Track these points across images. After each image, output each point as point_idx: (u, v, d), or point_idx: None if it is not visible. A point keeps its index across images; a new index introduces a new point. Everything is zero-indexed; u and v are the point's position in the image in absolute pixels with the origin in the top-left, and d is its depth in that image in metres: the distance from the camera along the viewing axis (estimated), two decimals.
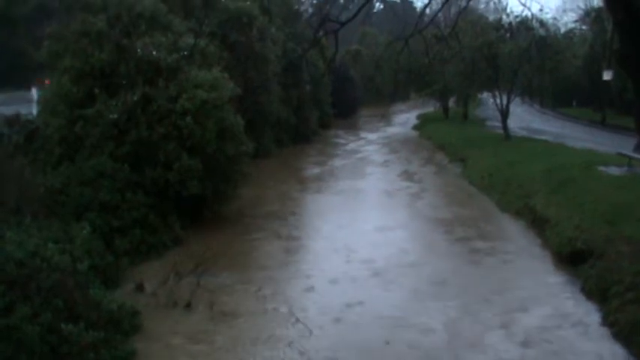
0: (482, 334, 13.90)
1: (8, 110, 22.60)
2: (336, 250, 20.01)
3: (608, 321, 14.11)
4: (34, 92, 25.16)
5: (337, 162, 39.33)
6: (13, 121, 21.89)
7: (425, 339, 13.68)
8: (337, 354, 13.06)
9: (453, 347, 13.28)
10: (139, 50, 21.88)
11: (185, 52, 22.79)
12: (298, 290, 16.78)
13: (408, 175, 34.18)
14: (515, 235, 22.27)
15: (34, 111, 24.06)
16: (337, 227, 22.78)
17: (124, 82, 21.62)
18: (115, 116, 20.68)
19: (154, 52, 22.04)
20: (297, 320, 14.60)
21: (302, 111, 49.57)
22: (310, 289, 16.78)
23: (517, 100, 51.12)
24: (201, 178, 21.36)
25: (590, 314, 14.81)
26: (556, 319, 14.60)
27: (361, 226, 23.10)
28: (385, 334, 13.77)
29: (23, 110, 23.29)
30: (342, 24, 17.53)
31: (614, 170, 25.81)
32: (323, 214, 24.91)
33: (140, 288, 16.20)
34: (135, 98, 21.03)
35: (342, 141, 51.71)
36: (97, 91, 21.22)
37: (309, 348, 13.21)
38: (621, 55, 12.26)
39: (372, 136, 54.90)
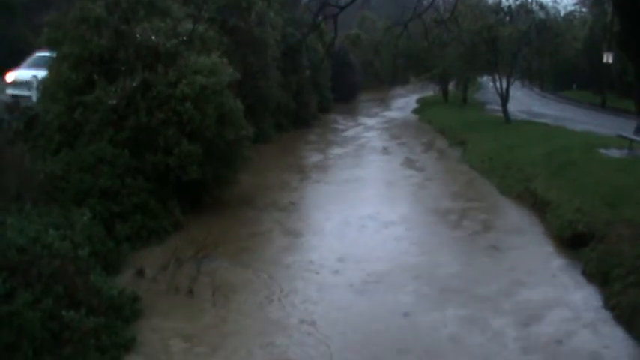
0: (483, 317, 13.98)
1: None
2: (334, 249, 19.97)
3: (609, 304, 14.15)
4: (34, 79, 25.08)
5: (337, 149, 39.19)
6: (13, 107, 21.86)
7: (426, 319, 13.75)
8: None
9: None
10: (137, 36, 21.80)
11: (184, 38, 22.71)
12: (299, 276, 16.81)
13: (409, 162, 34.03)
14: (516, 218, 22.28)
15: (34, 97, 24.02)
16: (336, 220, 22.44)
17: (123, 68, 21.54)
18: (114, 102, 20.62)
19: (153, 38, 21.96)
20: (299, 306, 14.69)
21: (301, 96, 49.52)
22: (312, 273, 16.85)
23: (517, 83, 51.14)
24: (201, 163, 21.34)
25: (591, 297, 14.85)
26: (556, 302, 14.65)
27: (359, 212, 23.01)
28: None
29: None
30: (342, 8, 17.52)
31: (614, 153, 25.83)
32: (322, 205, 24.46)
33: (141, 273, 16.20)
34: (134, 84, 20.97)
35: (341, 126, 51.68)
36: (96, 77, 21.17)
37: (313, 331, 13.26)
38: (621, 38, 12.24)
39: (371, 121, 54.87)
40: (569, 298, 14.93)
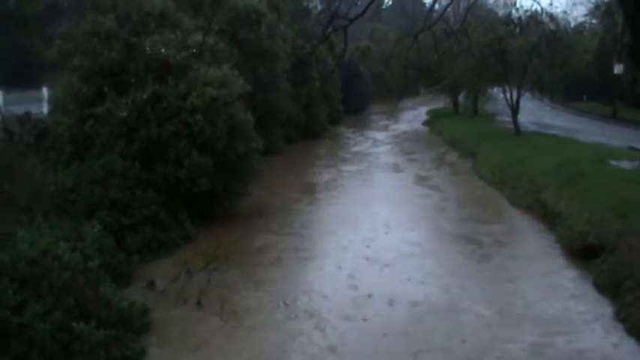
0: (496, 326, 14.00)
1: (19, 109, 22.64)
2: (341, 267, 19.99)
3: (620, 316, 14.09)
4: (45, 91, 25.20)
5: (347, 164, 38.88)
6: (24, 120, 21.94)
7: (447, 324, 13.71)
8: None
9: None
10: (147, 48, 21.89)
11: (194, 50, 22.79)
12: (309, 289, 16.79)
13: (420, 177, 33.70)
14: (527, 230, 22.21)
15: (45, 110, 24.11)
16: (344, 242, 22.01)
17: (133, 80, 21.64)
18: (124, 114, 20.71)
19: (163, 50, 22.04)
20: (311, 317, 14.68)
21: (311, 107, 49.55)
22: (319, 285, 16.83)
23: (527, 94, 50.98)
24: (211, 175, 21.38)
25: (602, 309, 14.78)
26: (568, 314, 14.58)
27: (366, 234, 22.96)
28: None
29: (34, 109, 23.31)
30: (351, 20, 17.50)
31: (625, 164, 25.76)
32: (332, 228, 23.17)
33: (151, 286, 16.24)
34: (144, 96, 21.05)
35: (351, 140, 51.56)
36: (106, 89, 21.27)
37: (321, 343, 13.24)
38: (632, 49, 12.22)
39: (382, 133, 54.72)
40: (580, 310, 14.85)
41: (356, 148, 45.85)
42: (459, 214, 24.38)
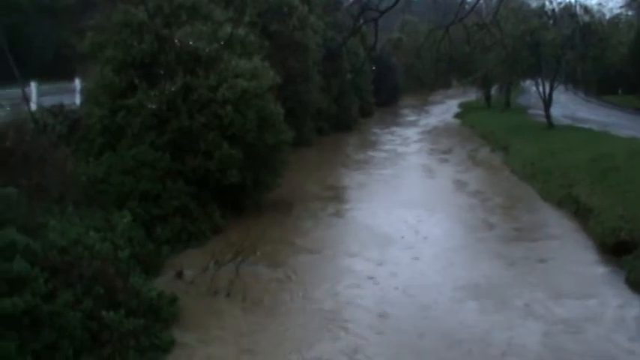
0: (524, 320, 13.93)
1: (52, 100, 22.83)
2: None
3: None
4: (77, 83, 25.37)
5: (378, 157, 38.82)
6: (57, 111, 22.13)
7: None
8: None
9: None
10: (176, 41, 21.97)
11: (222, 42, 22.83)
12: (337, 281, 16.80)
13: (454, 175, 33.36)
14: (558, 225, 22.01)
15: (77, 101, 24.30)
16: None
17: (164, 72, 21.73)
18: (154, 106, 20.82)
19: (193, 42, 22.09)
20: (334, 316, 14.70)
21: (342, 99, 49.52)
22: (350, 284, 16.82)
23: (560, 87, 50.49)
24: (241, 167, 21.43)
25: (633, 306, 14.61)
26: (599, 310, 14.43)
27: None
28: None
29: (66, 100, 23.51)
30: (382, 12, 17.42)
31: None
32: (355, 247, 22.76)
33: (180, 276, 16.32)
34: (175, 88, 21.13)
35: (382, 130, 51.47)
36: (137, 81, 21.39)
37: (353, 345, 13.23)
38: None
39: (413, 125, 54.58)
40: (611, 306, 14.69)
41: (387, 138, 45.80)
42: (491, 210, 24.11)
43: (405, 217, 22.49)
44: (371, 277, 16.74)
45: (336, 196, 26.63)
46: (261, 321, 14.13)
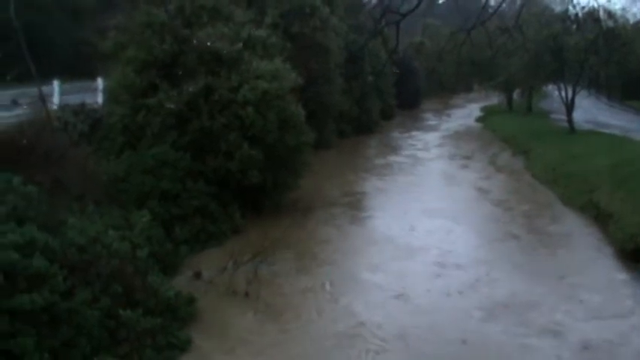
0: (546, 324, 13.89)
1: (75, 99, 22.97)
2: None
3: None
4: (100, 82, 25.52)
5: (397, 159, 38.67)
6: (79, 110, 22.28)
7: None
8: None
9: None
10: (194, 41, 22.04)
11: (243, 43, 22.89)
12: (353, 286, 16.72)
13: (475, 179, 33.13)
14: (579, 230, 21.87)
15: (100, 100, 24.44)
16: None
17: (184, 72, 21.81)
18: (173, 106, 20.90)
19: (213, 43, 22.14)
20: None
21: (364, 102, 49.41)
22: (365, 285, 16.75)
23: (583, 92, 50.19)
24: (261, 168, 21.44)
25: None
26: (617, 318, 14.32)
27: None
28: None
29: (88, 99, 23.66)
30: (404, 15, 17.44)
31: None
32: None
33: (198, 276, 16.35)
34: (192, 89, 21.20)
35: (403, 134, 51.31)
36: (158, 81, 21.49)
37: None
38: None
39: (434, 129, 54.36)
40: (630, 314, 14.60)
41: (408, 142, 45.71)
42: (513, 219, 23.77)
43: (427, 228, 22.02)
44: (394, 295, 15.82)
45: (356, 201, 26.47)
46: (277, 321, 14.16)
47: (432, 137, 48.56)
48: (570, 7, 43.19)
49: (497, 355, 12.77)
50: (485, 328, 13.94)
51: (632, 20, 47.02)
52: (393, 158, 38.06)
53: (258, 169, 21.30)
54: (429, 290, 16.15)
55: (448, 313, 14.72)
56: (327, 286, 16.35)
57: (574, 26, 42.90)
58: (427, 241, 20.40)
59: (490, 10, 22.21)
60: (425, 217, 23.31)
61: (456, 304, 15.32)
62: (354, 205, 25.74)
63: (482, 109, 68.18)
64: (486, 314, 14.60)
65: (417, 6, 18.07)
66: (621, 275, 17.10)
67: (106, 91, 23.70)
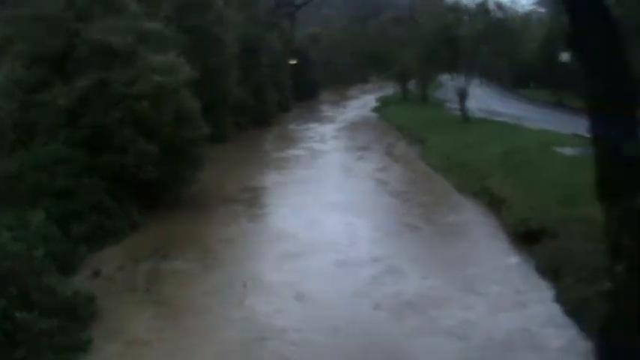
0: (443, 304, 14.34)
1: None
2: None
3: (560, 298, 14.37)
4: None
5: (295, 152, 38.67)
6: None
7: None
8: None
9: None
10: (85, 35, 21.61)
11: (137, 36, 22.57)
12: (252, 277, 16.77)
13: (372, 170, 33.60)
14: (474, 218, 22.41)
15: None
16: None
17: (76, 67, 21.37)
18: (67, 102, 20.46)
19: (106, 37, 21.74)
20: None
21: (261, 94, 49.33)
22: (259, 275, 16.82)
23: (476, 81, 51.46)
24: (157, 162, 21.21)
25: (542, 292, 15.06)
26: (510, 296, 14.83)
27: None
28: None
29: None
30: (298, 6, 17.57)
31: (568, 151, 26.18)
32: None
33: (97, 274, 16.14)
34: (84, 84, 20.77)
35: (301, 126, 51.41)
36: (50, 76, 20.99)
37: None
38: (570, 38, 12.42)
39: (331, 121, 54.62)
40: (521, 292, 15.13)
41: (306, 134, 45.87)
42: (409, 210, 24.12)
43: (326, 223, 21.91)
44: (296, 296, 15.52)
45: (256, 196, 26.37)
46: (177, 315, 14.10)
47: (329, 129, 48.75)
48: None
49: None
50: (387, 329, 13.77)
51: (520, 12, 48.53)
52: (291, 151, 38.12)
53: (153, 163, 21.07)
54: (330, 289, 15.94)
55: (350, 315, 14.44)
56: (228, 287, 16.03)
57: (466, 17, 44.01)
58: (328, 237, 20.31)
59: (385, 2, 22.57)
60: (324, 211, 23.25)
61: (358, 304, 15.05)
62: (254, 201, 25.64)
63: (378, 99, 68.95)
64: (389, 314, 14.47)
65: None
66: (514, 259, 17.64)
67: None
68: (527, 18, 51.48)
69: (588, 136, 11.52)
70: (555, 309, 14.06)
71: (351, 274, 16.93)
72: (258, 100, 48.56)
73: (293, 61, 60.19)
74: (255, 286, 16.02)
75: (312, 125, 51.35)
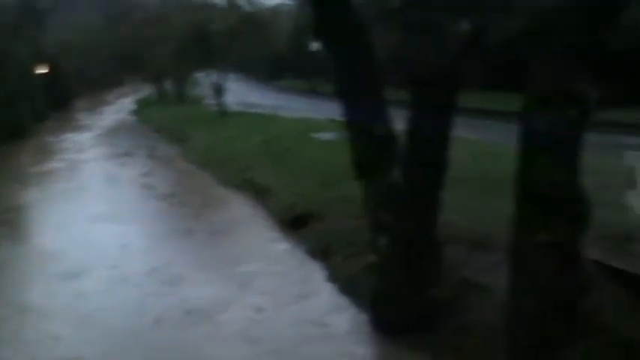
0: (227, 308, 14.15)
1: None
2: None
3: (332, 277, 14.96)
4: None
5: (54, 164, 36.86)
6: None
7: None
8: None
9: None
10: None
11: None
12: None
13: (135, 172, 33.28)
14: (241, 209, 22.69)
15: None
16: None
17: None
18: None
19: None
20: None
21: (13, 107, 47.05)
22: None
23: (233, 76, 52.27)
24: None
25: (315, 273, 15.60)
26: (290, 287, 15.06)
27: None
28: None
29: None
30: (42, 13, 17.00)
31: (325, 136, 27.30)
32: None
33: None
34: None
35: (58, 137, 49.38)
36: None
37: None
38: (314, 25, 12.94)
39: (89, 129, 53.00)
40: (296, 277, 15.61)
41: (63, 145, 44.34)
42: (177, 211, 23.98)
43: (97, 237, 20.53)
44: (71, 319, 14.52)
45: (16, 217, 24.42)
46: None
47: (87, 137, 47.35)
48: None
49: None
50: (172, 343, 12.74)
51: (269, 5, 49.84)
52: (50, 164, 36.46)
53: None
54: (109, 309, 14.52)
55: (131, 335, 13.21)
56: None
57: (216, 13, 44.57)
58: (101, 252, 18.93)
59: (134, 2, 22.36)
60: (93, 225, 22.02)
61: (138, 322, 13.77)
62: (15, 222, 23.88)
63: (136, 102, 68.08)
64: (173, 327, 13.46)
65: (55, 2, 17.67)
66: (286, 245, 18.04)
67: None
68: (276, 10, 52.86)
69: (342, 120, 12.19)
70: (332, 289, 14.54)
71: (130, 290, 15.80)
72: (9, 113, 46.28)
73: (44, 70, 57.79)
74: (32, 313, 14.63)
75: (69, 135, 49.60)
